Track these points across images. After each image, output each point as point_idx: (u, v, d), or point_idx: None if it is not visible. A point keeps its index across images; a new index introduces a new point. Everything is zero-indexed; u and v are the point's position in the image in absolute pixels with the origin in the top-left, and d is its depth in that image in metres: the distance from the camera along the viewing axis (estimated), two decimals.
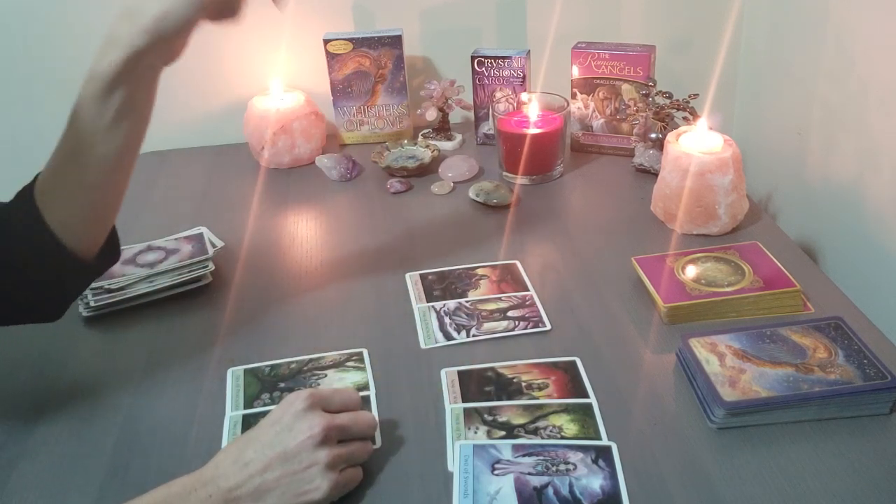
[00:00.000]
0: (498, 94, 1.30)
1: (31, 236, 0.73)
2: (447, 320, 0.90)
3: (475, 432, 0.73)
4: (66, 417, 0.79)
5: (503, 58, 1.27)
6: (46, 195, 0.73)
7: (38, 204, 0.72)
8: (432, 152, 1.27)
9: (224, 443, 0.74)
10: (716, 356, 0.77)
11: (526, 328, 0.88)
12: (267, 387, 0.81)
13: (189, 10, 0.66)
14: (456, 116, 1.39)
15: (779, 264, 0.91)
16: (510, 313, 0.90)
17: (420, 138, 1.34)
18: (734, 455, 0.69)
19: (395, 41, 1.31)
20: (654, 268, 0.93)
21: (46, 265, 0.74)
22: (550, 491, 0.66)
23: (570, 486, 0.66)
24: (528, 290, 0.94)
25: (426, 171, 1.25)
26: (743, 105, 1.45)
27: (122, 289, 0.93)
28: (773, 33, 1.31)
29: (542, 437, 0.72)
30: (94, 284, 0.92)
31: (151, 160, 1.38)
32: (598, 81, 1.25)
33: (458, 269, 1.00)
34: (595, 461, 0.69)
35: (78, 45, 1.35)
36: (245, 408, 0.78)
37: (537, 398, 0.77)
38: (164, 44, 0.68)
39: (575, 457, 0.69)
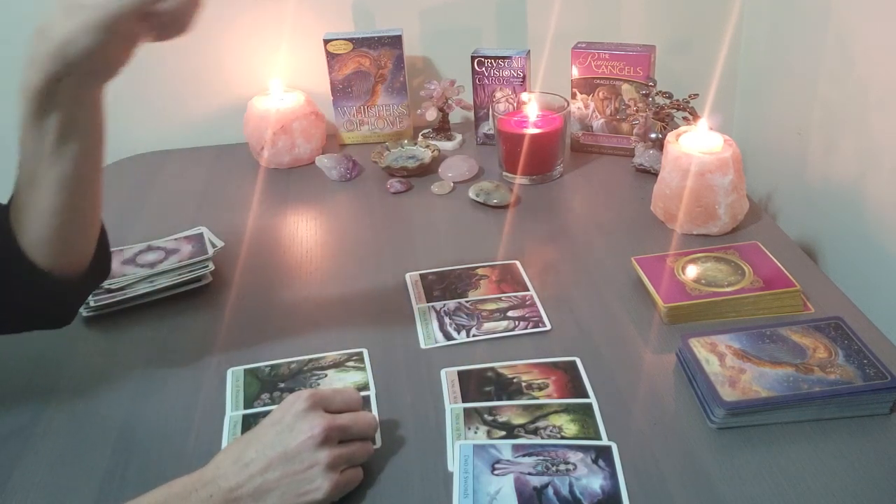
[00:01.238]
0: (498, 94, 1.30)
1: (6, 257, 0.70)
2: (447, 320, 0.90)
3: (475, 432, 0.73)
4: (66, 417, 0.79)
5: (503, 58, 1.27)
6: (15, 219, 0.70)
7: (12, 225, 0.70)
8: (432, 152, 1.27)
9: (224, 443, 0.74)
10: (716, 356, 0.77)
11: (526, 328, 0.88)
12: (267, 387, 0.81)
13: (97, 37, 0.58)
14: (456, 116, 1.39)
15: (779, 264, 0.91)
16: (510, 313, 0.90)
17: (420, 138, 1.34)
18: (734, 455, 0.69)
19: (395, 41, 1.31)
20: (654, 268, 0.93)
21: (23, 285, 0.71)
22: (550, 491, 0.66)
23: (570, 486, 0.66)
24: (528, 290, 0.94)
25: (426, 171, 1.25)
26: (743, 105, 1.45)
27: (122, 289, 0.93)
28: (773, 33, 1.31)
29: (542, 437, 0.72)
30: None
31: (151, 160, 1.38)
32: (598, 81, 1.25)
33: (458, 269, 1.00)
34: (595, 461, 0.69)
35: None
36: (245, 408, 0.78)
37: (537, 398, 0.77)
38: (79, 68, 0.60)
39: (575, 457, 0.69)
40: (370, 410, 0.77)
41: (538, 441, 0.72)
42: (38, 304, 0.75)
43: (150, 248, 1.01)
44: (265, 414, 0.69)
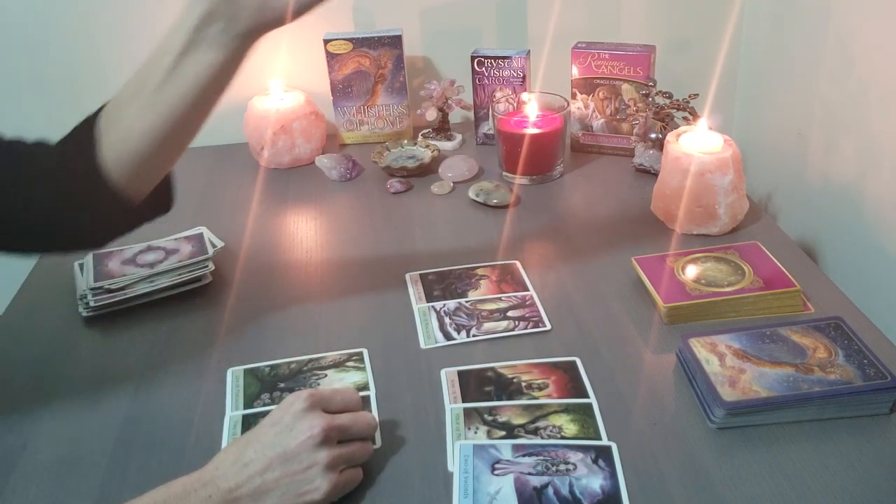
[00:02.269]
0: (498, 94, 1.30)
1: (78, 166, 0.71)
2: (447, 320, 0.90)
3: (475, 432, 0.73)
4: (66, 417, 0.79)
5: (503, 58, 1.27)
6: (104, 127, 0.71)
7: (97, 133, 0.71)
8: (432, 152, 1.27)
9: (224, 443, 0.74)
10: (716, 356, 0.77)
11: (526, 328, 0.88)
12: (267, 387, 0.81)
13: None
14: (456, 116, 1.39)
15: (779, 264, 0.91)
16: (510, 313, 0.90)
17: (420, 138, 1.34)
18: (734, 455, 0.69)
19: (395, 41, 1.31)
20: (654, 268, 0.93)
21: (86, 195, 0.72)
22: (550, 491, 0.66)
23: (570, 486, 0.66)
24: (528, 290, 0.94)
25: (426, 171, 1.25)
26: (743, 105, 1.45)
27: (122, 289, 0.93)
28: (773, 33, 1.31)
29: (542, 437, 0.72)
30: (93, 284, 0.93)
31: None
32: (598, 81, 1.25)
33: (458, 269, 1.00)
34: (595, 461, 0.69)
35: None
36: (245, 408, 0.78)
37: (537, 398, 0.77)
38: (238, 8, 0.67)
39: (575, 457, 0.69)
40: (370, 410, 0.77)
41: (538, 441, 0.72)
42: (90, 218, 0.75)
43: (150, 248, 1.01)
44: (265, 414, 0.69)
